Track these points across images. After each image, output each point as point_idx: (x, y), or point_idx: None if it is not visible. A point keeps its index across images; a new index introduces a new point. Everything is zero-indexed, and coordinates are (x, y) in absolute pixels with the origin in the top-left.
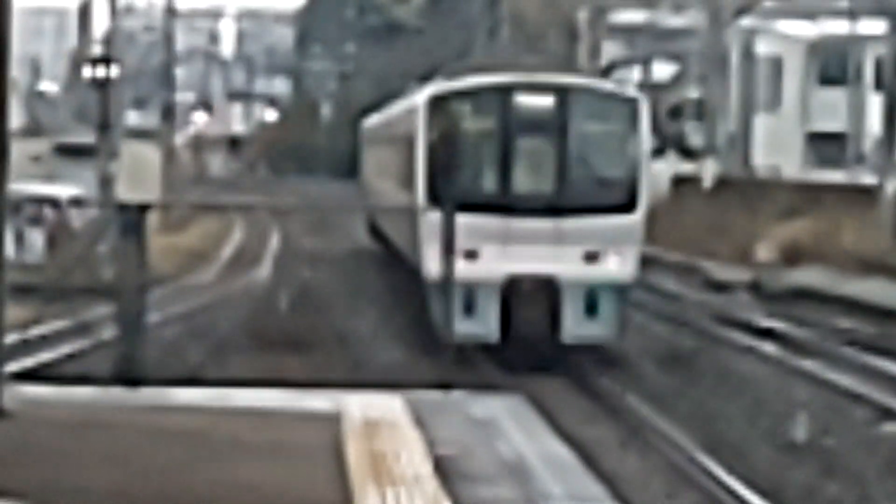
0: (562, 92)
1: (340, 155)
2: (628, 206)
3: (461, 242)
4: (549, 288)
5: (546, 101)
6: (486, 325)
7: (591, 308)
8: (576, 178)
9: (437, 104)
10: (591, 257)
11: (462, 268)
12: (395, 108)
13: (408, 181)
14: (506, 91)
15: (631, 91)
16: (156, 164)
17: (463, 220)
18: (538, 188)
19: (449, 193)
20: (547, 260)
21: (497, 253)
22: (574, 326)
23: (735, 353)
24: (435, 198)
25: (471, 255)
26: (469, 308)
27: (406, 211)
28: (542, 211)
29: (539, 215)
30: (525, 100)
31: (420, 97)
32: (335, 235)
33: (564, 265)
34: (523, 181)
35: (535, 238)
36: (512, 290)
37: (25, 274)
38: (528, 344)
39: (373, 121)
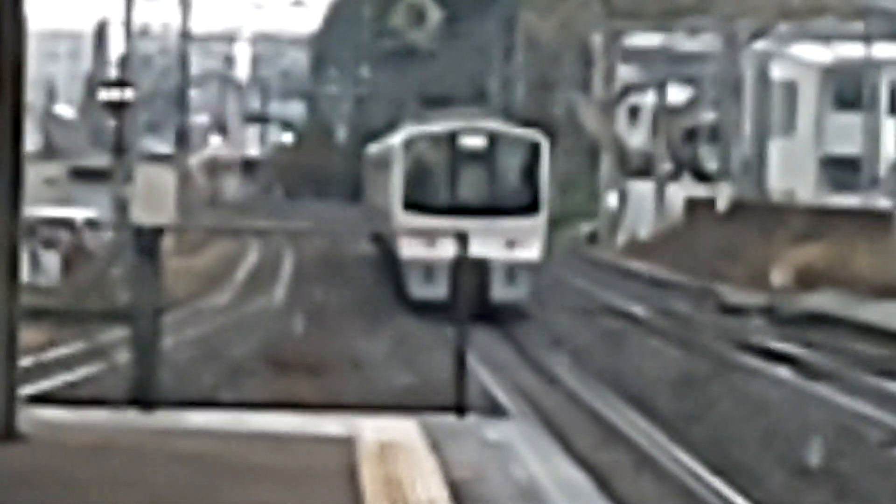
0: (490, 136)
1: (355, 178)
2: (534, 210)
3: (423, 234)
4: (483, 266)
5: (480, 141)
6: (438, 289)
7: (510, 279)
8: (499, 192)
9: (409, 143)
10: (510, 244)
11: (424, 252)
12: (382, 145)
13: (389, 195)
14: (454, 134)
15: (536, 135)
16: (170, 187)
17: (424, 219)
18: (475, 198)
19: (416, 203)
20: (481, 247)
21: (447, 242)
22: (499, 291)
23: (748, 377)
24: (407, 206)
25: (430, 243)
26: (428, 279)
27: (389, 214)
28: (478, 213)
29: (475, 216)
30: (466, 140)
31: (397, 139)
32: (347, 250)
33: (492, 250)
34: (465, 194)
35: (473, 231)
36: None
37: (41, 297)
38: (466, 304)
39: (370, 152)
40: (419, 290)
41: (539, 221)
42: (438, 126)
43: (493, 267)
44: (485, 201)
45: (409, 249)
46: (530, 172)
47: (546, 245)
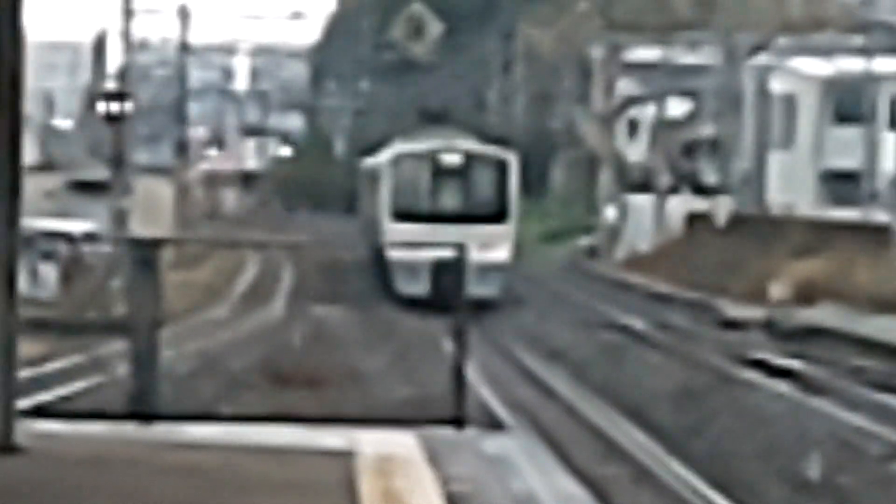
0: (465, 154)
1: (354, 191)
2: (503, 218)
3: (408, 239)
4: (459, 266)
5: (456, 158)
6: (421, 286)
7: (483, 278)
8: (473, 202)
9: (395, 161)
10: (483, 247)
11: (408, 253)
12: (373, 162)
13: (379, 205)
14: (434, 152)
15: (506, 154)
16: (169, 200)
17: (409, 227)
18: (452, 208)
19: (402, 212)
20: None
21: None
22: (473, 288)
23: (747, 391)
24: (395, 214)
25: (413, 247)
26: (412, 276)
27: (379, 222)
28: (454, 220)
29: (452, 223)
30: (445, 157)
31: (385, 156)
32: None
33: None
34: (443, 204)
35: (450, 236)
36: (438, 266)
37: (39, 309)
38: (446, 298)
39: (363, 167)
40: (404, 286)
41: (508, 228)
42: (421, 145)
43: (469, 267)
44: (461, 210)
45: (396, 252)
46: (500, 186)
47: (514, 247)
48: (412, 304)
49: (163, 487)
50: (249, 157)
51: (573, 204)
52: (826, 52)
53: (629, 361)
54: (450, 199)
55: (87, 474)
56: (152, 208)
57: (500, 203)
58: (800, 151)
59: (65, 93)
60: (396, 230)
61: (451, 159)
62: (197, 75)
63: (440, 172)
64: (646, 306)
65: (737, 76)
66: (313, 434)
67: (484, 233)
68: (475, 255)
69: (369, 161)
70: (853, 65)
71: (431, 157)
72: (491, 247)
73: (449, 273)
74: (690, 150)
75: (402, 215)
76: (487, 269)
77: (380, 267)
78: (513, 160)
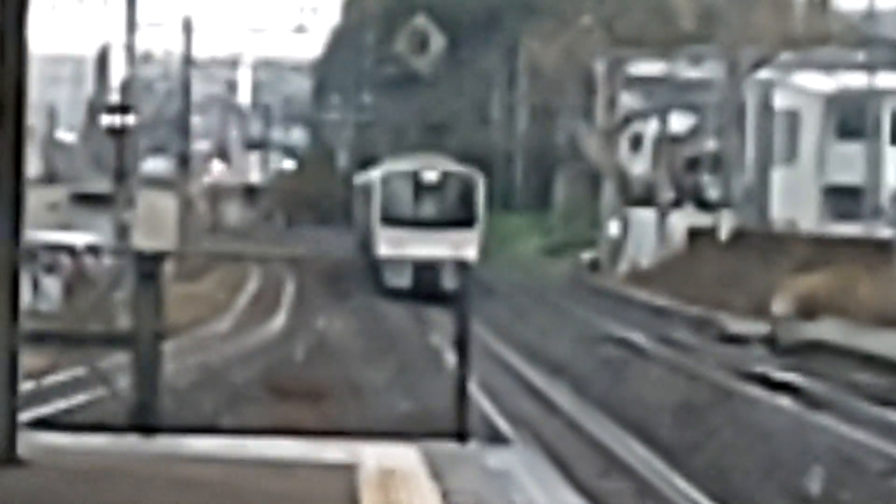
0: (441, 172)
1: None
2: (471, 224)
3: (393, 242)
4: (435, 262)
5: (434, 175)
6: (405, 279)
7: (455, 272)
8: (446, 211)
9: (385, 177)
10: (455, 247)
11: (394, 252)
12: (366, 177)
13: (372, 214)
14: (416, 171)
15: (474, 173)
16: (172, 213)
17: (395, 231)
18: (430, 216)
19: (390, 218)
20: (434, 249)
21: (411, 246)
22: (448, 282)
23: (748, 406)
24: (384, 220)
25: (398, 247)
26: (398, 273)
27: (371, 227)
28: (432, 226)
29: (430, 228)
30: (425, 175)
31: (377, 173)
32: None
33: (442, 251)
34: (423, 213)
35: (430, 240)
36: (418, 263)
37: (41, 322)
38: (425, 289)
39: (357, 182)
40: (392, 280)
41: (475, 232)
42: (406, 165)
43: (443, 263)
44: (437, 218)
45: (384, 250)
46: (469, 198)
47: (481, 248)
48: (397, 294)
49: (165, 500)
50: (252, 170)
51: (575, 218)
52: (829, 67)
53: (630, 376)
54: (428, 209)
55: (89, 487)
56: (155, 221)
57: (468, 212)
58: (802, 166)
59: (68, 105)
60: (385, 233)
61: (430, 176)
62: (200, 88)
63: (421, 187)
64: (647, 321)
65: (740, 91)
66: (315, 447)
67: (455, 236)
68: (449, 253)
69: (362, 177)
70: (856, 80)
71: (414, 175)
72: (461, 247)
73: (425, 270)
74: (693, 164)
75: (391, 221)
76: (458, 266)
77: (372, 266)
78: (479, 178)
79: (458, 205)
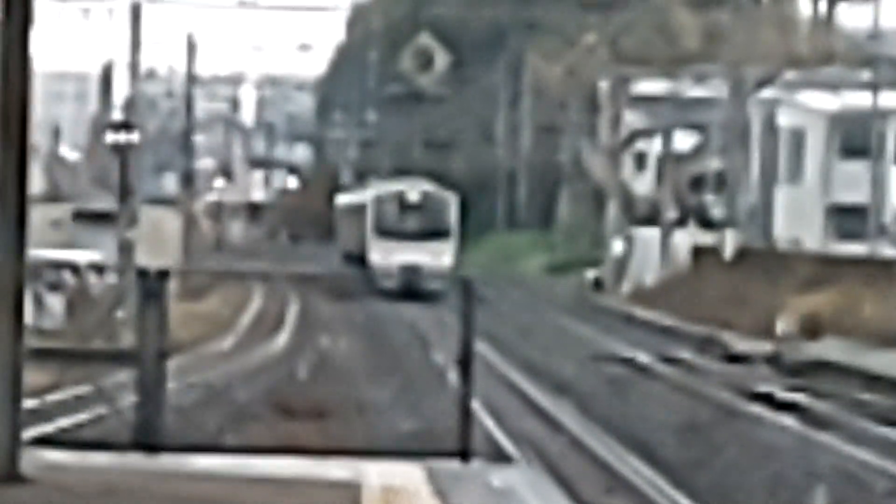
0: (422, 193)
1: None
2: (447, 236)
3: (383, 251)
4: (417, 268)
5: (417, 196)
6: (393, 282)
7: (434, 277)
8: (426, 226)
9: (375, 198)
10: (433, 255)
11: (384, 259)
12: (351, 199)
13: (366, 228)
14: (402, 193)
15: (449, 195)
16: (176, 231)
17: (385, 241)
18: (413, 229)
19: (381, 231)
20: (416, 256)
21: (397, 255)
22: (428, 283)
23: (753, 425)
24: (376, 232)
25: (387, 256)
26: (387, 275)
27: (365, 239)
28: (415, 238)
29: (414, 240)
30: (409, 195)
31: (368, 194)
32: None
33: (423, 259)
34: (407, 226)
35: (413, 249)
36: (405, 269)
37: (45, 339)
38: (410, 290)
39: (340, 203)
40: (382, 282)
41: (450, 244)
42: (392, 187)
43: (424, 269)
44: (419, 231)
45: (376, 258)
46: (445, 215)
47: (455, 257)
48: (387, 294)
49: None
50: (256, 188)
51: (579, 236)
52: (833, 86)
53: (635, 395)
54: (411, 223)
55: None
56: (159, 239)
57: (444, 226)
58: (807, 185)
59: (72, 123)
60: (377, 244)
61: (413, 197)
62: (204, 106)
63: (405, 206)
64: (651, 340)
65: (744, 110)
66: (319, 465)
67: (433, 246)
68: (428, 261)
69: (345, 198)
70: (860, 99)
71: (400, 196)
72: (438, 255)
73: (411, 274)
74: (697, 183)
75: (381, 233)
76: (437, 271)
77: (364, 273)
78: (453, 198)
79: (436, 220)
